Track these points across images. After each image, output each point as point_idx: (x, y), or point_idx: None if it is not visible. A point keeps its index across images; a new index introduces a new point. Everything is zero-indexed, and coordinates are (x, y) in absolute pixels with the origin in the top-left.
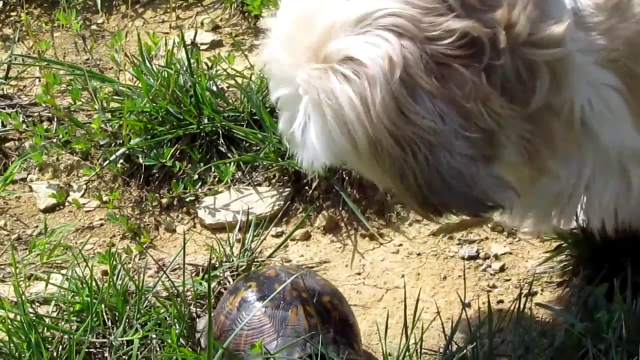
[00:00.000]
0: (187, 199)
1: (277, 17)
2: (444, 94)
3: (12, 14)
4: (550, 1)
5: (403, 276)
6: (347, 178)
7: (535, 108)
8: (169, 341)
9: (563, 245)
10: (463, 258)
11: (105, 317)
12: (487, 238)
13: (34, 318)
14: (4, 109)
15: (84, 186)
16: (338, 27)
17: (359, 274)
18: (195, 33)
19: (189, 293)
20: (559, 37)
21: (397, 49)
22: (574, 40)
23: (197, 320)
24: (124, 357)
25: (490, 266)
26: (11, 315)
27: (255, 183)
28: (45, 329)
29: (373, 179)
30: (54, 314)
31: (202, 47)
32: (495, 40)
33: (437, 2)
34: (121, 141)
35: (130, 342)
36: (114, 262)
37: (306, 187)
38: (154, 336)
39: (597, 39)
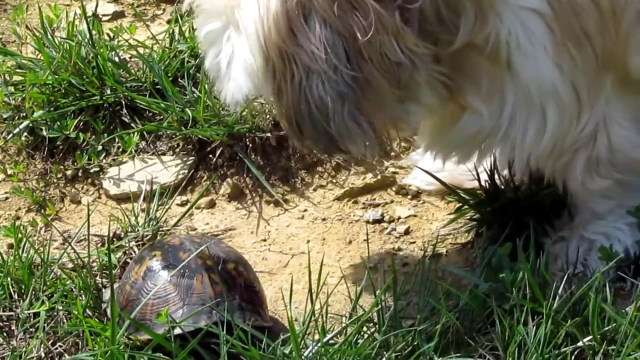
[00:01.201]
0: (92, 170)
1: None
2: (339, 25)
3: None
4: None
5: (308, 241)
6: (250, 145)
7: (459, 46)
8: (75, 312)
9: (464, 207)
10: (368, 222)
11: (11, 290)
12: (391, 201)
13: None
14: None
15: None
16: None
17: (265, 240)
18: (97, 4)
19: (94, 264)
20: None
21: None
22: None
23: (103, 290)
24: (30, 329)
25: (395, 229)
26: None
27: (159, 152)
28: None
29: (268, 100)
30: None
31: (104, 18)
32: None
33: None
34: (24, 114)
35: (36, 315)
36: (20, 235)
37: (210, 155)
38: (61, 308)
39: None
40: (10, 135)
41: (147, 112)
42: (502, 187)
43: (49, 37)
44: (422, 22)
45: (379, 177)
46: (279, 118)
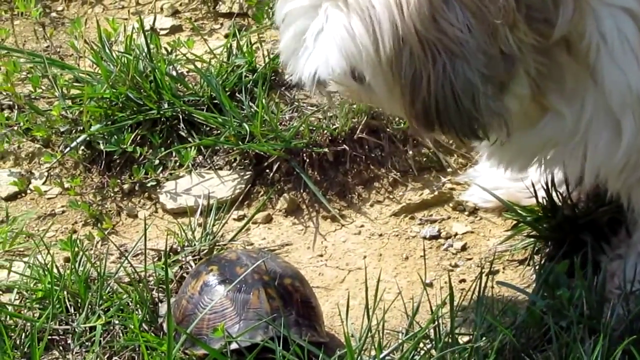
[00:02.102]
0: (149, 184)
1: None
2: (475, 8)
3: None
4: None
5: (365, 257)
6: (307, 160)
7: (556, 39)
8: (132, 327)
9: (521, 224)
10: (425, 238)
11: (67, 303)
12: (448, 218)
13: None
14: None
15: (46, 173)
16: None
17: (321, 255)
18: (155, 18)
19: (151, 278)
20: None
21: None
22: None
23: (160, 305)
24: (86, 343)
25: (452, 245)
26: None
27: (216, 167)
28: (8, 317)
29: (377, 86)
30: (17, 302)
31: (162, 32)
32: None
33: None
34: (82, 128)
35: (92, 329)
36: (76, 249)
37: (267, 170)
38: (117, 322)
39: None
40: (68, 148)
41: (204, 127)
42: (560, 204)
43: (107, 50)
44: (528, 9)
45: (435, 193)
46: (404, 106)
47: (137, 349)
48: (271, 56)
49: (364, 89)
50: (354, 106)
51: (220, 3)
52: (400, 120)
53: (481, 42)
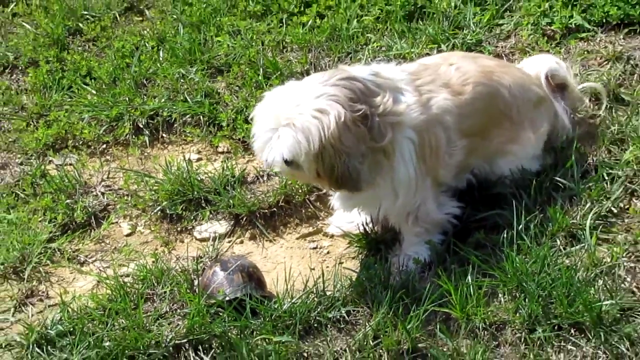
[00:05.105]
0: (189, 227)
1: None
2: (358, 136)
3: (110, 150)
4: (400, 98)
5: (284, 257)
6: (258, 215)
7: (381, 147)
8: (182, 291)
9: (353, 242)
10: (311, 248)
11: (154, 281)
12: (321, 239)
13: (122, 283)
14: (108, 192)
15: (143, 223)
16: (311, 95)
17: (265, 257)
18: (190, 155)
19: (190, 269)
20: (400, 112)
21: (342, 111)
22: (407, 114)
23: (194, 281)
24: (163, 298)
25: (323, 251)
26: (112, 282)
27: (218, 219)
28: (127, 287)
29: (307, 169)
30: (131, 281)
31: (193, 160)
32: (373, 113)
33: (353, 94)
34: (159, 203)
35: (165, 292)
36: (157, 257)
37: (240, 220)
38: (175, 289)
39: (416, 116)
40: (153, 212)
41: (213, 202)
42: (370, 232)
43: (169, 168)
44: (373, 132)
45: (315, 228)
46: (325, 178)
47: (184, 301)
48: (241, 170)
49: (298, 171)
50: (279, 190)
51: (218, 147)
52: (298, 197)
53: (360, 149)
